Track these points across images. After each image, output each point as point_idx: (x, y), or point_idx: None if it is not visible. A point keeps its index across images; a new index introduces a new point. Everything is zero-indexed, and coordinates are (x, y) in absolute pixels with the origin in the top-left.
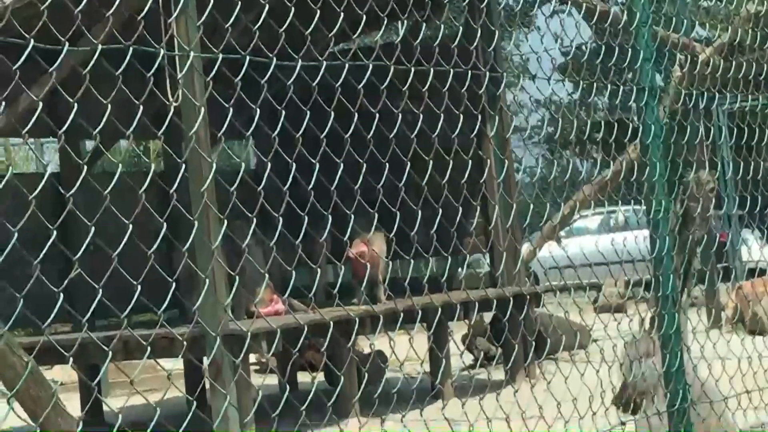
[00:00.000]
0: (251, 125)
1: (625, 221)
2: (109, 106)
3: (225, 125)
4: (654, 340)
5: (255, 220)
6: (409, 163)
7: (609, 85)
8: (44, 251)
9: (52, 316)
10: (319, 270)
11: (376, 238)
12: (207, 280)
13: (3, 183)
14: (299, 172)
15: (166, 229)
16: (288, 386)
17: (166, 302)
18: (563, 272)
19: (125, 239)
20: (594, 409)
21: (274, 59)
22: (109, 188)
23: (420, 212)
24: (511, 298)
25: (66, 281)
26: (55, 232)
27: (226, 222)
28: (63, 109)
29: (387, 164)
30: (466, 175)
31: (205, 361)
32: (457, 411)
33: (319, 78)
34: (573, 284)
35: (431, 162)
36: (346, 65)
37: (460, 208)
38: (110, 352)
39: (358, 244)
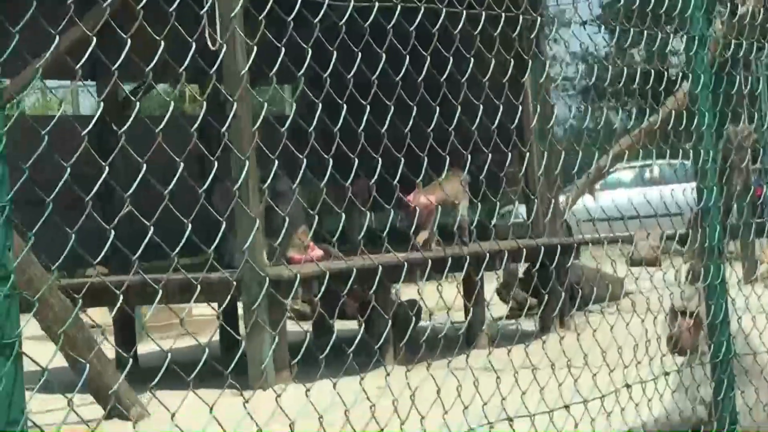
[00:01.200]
0: (291, 68)
1: (660, 174)
2: (153, 47)
3: (275, 67)
4: (700, 291)
5: (299, 164)
6: (459, 108)
7: (660, 33)
8: (90, 194)
9: (100, 256)
10: (367, 215)
11: (435, 186)
12: (256, 222)
13: (54, 122)
14: (340, 116)
15: (205, 173)
16: (334, 331)
17: (211, 246)
18: (597, 224)
19: (174, 181)
20: (638, 358)
21: None
22: (161, 126)
23: (469, 158)
24: (552, 249)
25: (116, 219)
26: (106, 170)
27: (275, 164)
28: (103, 51)
29: (437, 109)
30: (515, 122)
31: (240, 306)
32: (497, 359)
33: (371, 19)
34: (608, 237)
35: (481, 107)
36: (398, 7)
37: (509, 155)
38: (159, 292)
39: (415, 192)
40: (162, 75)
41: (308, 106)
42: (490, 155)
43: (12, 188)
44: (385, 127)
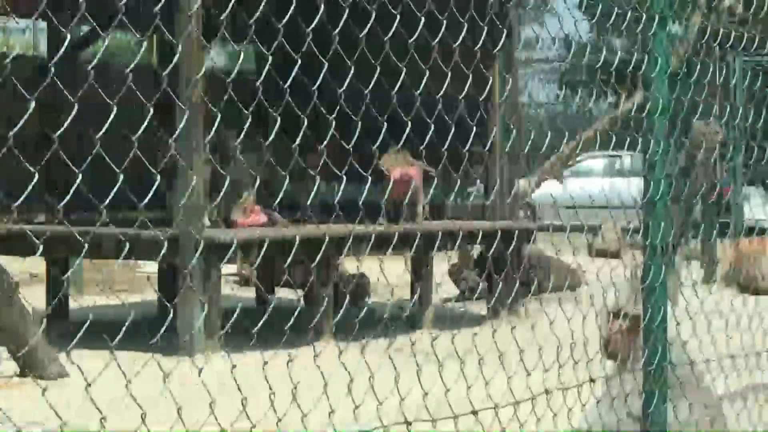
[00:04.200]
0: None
1: (630, 165)
2: None
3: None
4: (638, 292)
5: (247, 124)
6: (424, 74)
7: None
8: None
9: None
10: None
11: (405, 157)
12: (192, 180)
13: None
14: (301, 75)
15: (155, 124)
16: (270, 300)
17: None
18: (563, 212)
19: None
20: (576, 357)
21: None
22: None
23: (430, 131)
24: (504, 232)
25: (43, 161)
26: (33, 104)
27: (218, 123)
28: None
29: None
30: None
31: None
32: (441, 344)
33: None
34: (570, 224)
35: (447, 74)
36: None
37: (472, 130)
38: (85, 245)
39: (393, 164)
40: (119, 22)
41: (263, 63)
42: (453, 129)
43: None
44: (343, 88)
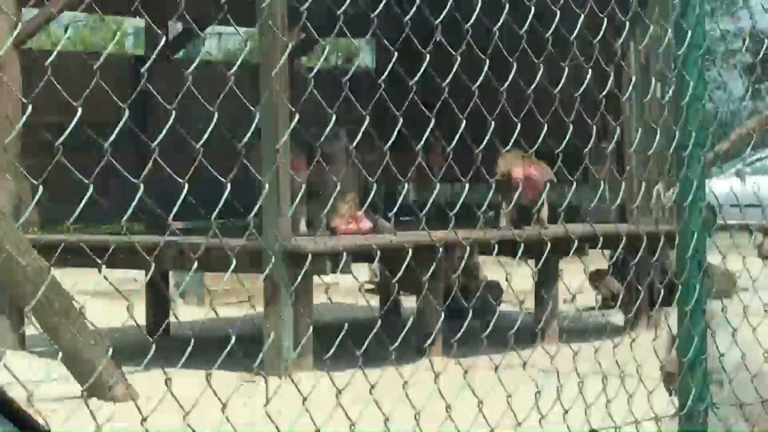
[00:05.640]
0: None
1: None
2: None
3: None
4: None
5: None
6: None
7: None
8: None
9: (74, 213)
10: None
11: (521, 156)
12: (268, 186)
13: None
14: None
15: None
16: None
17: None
18: (735, 212)
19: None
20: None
21: None
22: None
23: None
24: (644, 237)
25: (145, 171)
26: (127, 112)
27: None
28: None
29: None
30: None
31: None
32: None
33: None
34: (728, 224)
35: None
36: None
37: (598, 127)
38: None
39: (517, 165)
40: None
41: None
42: (571, 126)
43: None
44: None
